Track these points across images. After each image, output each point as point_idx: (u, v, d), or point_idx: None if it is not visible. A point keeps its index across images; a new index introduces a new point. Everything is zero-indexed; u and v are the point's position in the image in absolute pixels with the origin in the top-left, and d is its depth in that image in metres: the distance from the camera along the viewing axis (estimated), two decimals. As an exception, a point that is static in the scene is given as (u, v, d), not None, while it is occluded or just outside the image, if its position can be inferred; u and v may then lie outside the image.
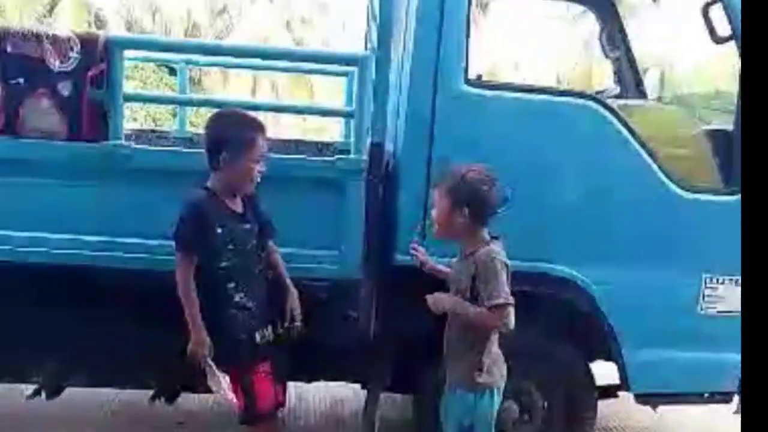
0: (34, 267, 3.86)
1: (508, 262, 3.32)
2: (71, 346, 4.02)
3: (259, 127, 3.51)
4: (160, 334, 3.84)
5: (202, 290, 3.40)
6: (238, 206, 3.53)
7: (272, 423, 3.70)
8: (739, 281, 4.06)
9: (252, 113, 3.84)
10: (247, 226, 3.54)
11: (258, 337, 3.51)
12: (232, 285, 3.45)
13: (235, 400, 3.45)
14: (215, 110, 4.04)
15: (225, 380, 3.41)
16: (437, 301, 3.38)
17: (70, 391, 4.42)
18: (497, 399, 3.43)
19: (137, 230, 3.87)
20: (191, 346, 3.37)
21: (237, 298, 3.46)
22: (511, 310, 3.21)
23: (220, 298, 3.43)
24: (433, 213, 3.40)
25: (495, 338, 3.40)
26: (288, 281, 3.75)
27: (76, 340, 3.98)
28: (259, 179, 3.50)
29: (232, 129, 3.49)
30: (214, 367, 3.40)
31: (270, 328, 3.59)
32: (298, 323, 3.67)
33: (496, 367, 3.41)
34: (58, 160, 3.82)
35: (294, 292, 3.72)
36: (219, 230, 3.40)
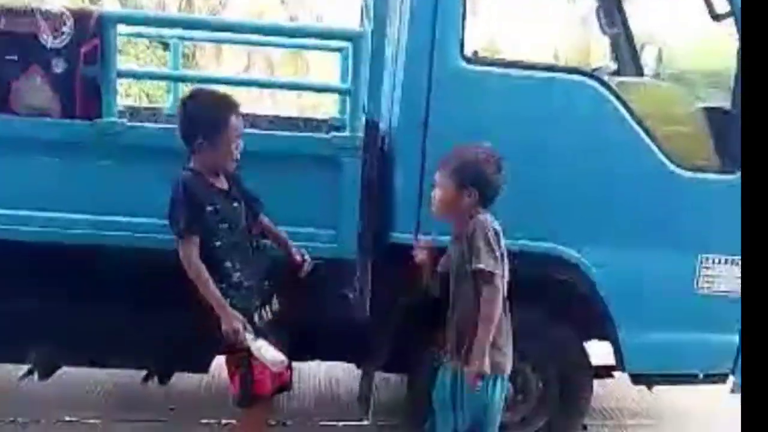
0: (26, 245, 3.83)
1: (499, 229, 3.32)
2: (64, 326, 3.99)
3: (233, 105, 3.48)
4: (154, 313, 3.84)
5: None
6: (223, 184, 3.52)
7: (267, 405, 3.71)
8: (736, 261, 4.06)
9: (243, 89, 3.81)
10: (235, 204, 3.52)
11: (257, 317, 3.49)
12: (228, 264, 3.43)
13: (280, 362, 3.39)
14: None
15: (270, 346, 3.37)
16: (480, 367, 3.22)
17: (63, 371, 4.42)
18: (506, 383, 3.44)
19: (131, 208, 3.85)
20: (225, 327, 3.32)
21: (235, 278, 3.44)
22: (497, 278, 3.21)
23: (218, 277, 3.39)
24: (436, 193, 3.38)
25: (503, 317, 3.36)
26: (283, 235, 3.79)
27: (69, 319, 3.96)
28: (238, 157, 3.48)
29: (206, 111, 3.44)
30: (255, 338, 3.36)
31: (269, 307, 3.58)
32: (308, 260, 3.73)
33: (507, 348, 3.41)
34: (51, 137, 3.80)
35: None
36: (209, 208, 3.38)
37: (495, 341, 3.29)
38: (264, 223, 3.75)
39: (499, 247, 3.29)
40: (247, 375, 3.44)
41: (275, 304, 3.64)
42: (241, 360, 3.43)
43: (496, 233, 3.29)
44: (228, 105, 3.47)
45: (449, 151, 3.43)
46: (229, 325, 3.31)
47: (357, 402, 4.38)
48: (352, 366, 4.69)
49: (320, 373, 5.59)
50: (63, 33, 3.74)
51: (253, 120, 5.31)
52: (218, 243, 3.40)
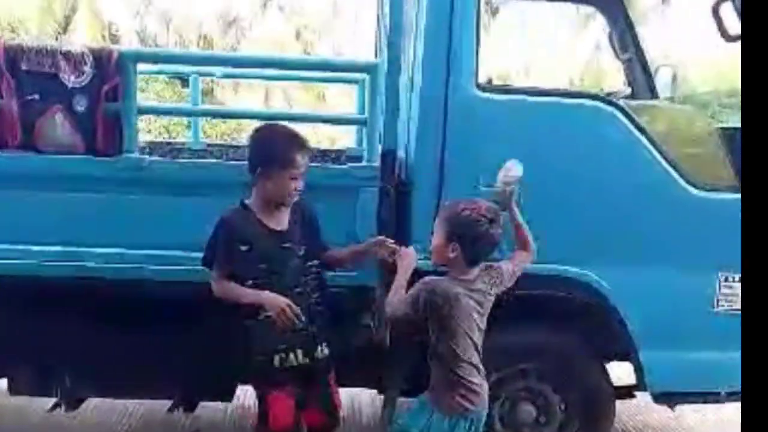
0: (50, 280, 3.89)
1: None
2: (88, 359, 4.04)
3: (298, 144, 3.43)
4: (179, 344, 3.88)
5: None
6: (279, 224, 3.46)
7: None
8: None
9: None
10: (288, 244, 3.44)
11: (277, 360, 3.43)
12: None
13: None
14: (228, 121, 4.07)
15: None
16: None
17: (90, 400, 4.47)
18: (483, 413, 3.35)
19: (153, 242, 3.90)
20: (274, 313, 3.28)
21: (262, 316, 3.37)
22: None
23: (246, 313, 3.40)
24: (432, 240, 3.38)
25: (468, 366, 3.29)
26: (360, 248, 3.72)
27: (94, 352, 4.01)
28: (296, 196, 3.45)
29: (267, 143, 3.46)
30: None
31: (300, 352, 3.49)
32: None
33: (473, 395, 3.29)
34: (74, 174, 3.86)
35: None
36: (243, 248, 3.36)
37: (465, 380, 3.26)
38: (340, 252, 3.74)
39: None
40: (263, 408, 3.46)
41: (320, 350, 3.59)
42: (259, 394, 3.47)
43: None
44: (294, 142, 3.43)
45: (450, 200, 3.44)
46: (277, 309, 3.28)
47: (380, 427, 4.38)
48: (374, 392, 4.70)
49: (343, 399, 5.56)
50: (84, 72, 3.82)
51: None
52: (250, 281, 3.37)
